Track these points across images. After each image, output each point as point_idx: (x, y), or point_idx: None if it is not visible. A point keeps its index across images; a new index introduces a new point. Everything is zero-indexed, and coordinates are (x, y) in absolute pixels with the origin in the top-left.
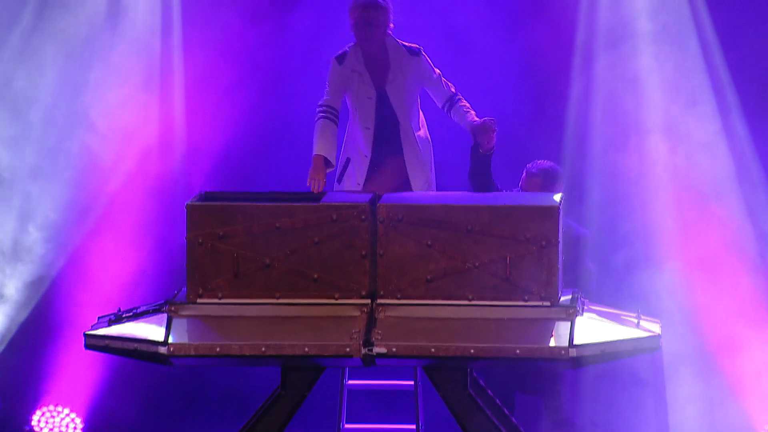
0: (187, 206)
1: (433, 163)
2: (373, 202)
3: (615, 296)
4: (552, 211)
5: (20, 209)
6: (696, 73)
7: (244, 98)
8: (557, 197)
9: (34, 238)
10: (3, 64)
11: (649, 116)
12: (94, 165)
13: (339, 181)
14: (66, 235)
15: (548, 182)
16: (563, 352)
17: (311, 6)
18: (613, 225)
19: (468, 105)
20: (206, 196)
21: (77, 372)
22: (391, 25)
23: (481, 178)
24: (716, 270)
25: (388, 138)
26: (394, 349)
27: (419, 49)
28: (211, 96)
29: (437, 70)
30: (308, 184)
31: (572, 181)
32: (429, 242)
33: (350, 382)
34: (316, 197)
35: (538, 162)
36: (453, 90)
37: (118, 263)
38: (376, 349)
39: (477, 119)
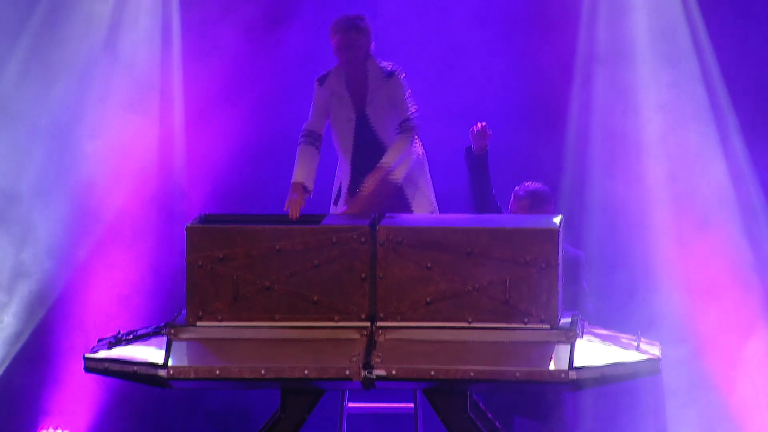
0: (187, 229)
1: (430, 183)
2: (373, 224)
3: (614, 319)
4: (552, 233)
5: (19, 231)
6: (694, 94)
7: (243, 116)
8: (557, 220)
9: (34, 259)
10: (3, 85)
11: (647, 137)
12: (92, 187)
13: (335, 203)
14: (65, 256)
15: (536, 204)
16: (563, 375)
17: (309, 22)
18: (612, 246)
19: (404, 141)
20: (206, 219)
21: (77, 394)
22: (372, 46)
23: (479, 179)
24: (716, 292)
25: (368, 161)
26: (393, 372)
27: (395, 70)
28: (210, 114)
29: (408, 91)
30: (285, 209)
31: (571, 203)
32: (429, 264)
33: (350, 405)
34: (316, 220)
35: (526, 184)
36: (408, 114)
37: (117, 285)
38: (376, 372)
39: (391, 164)
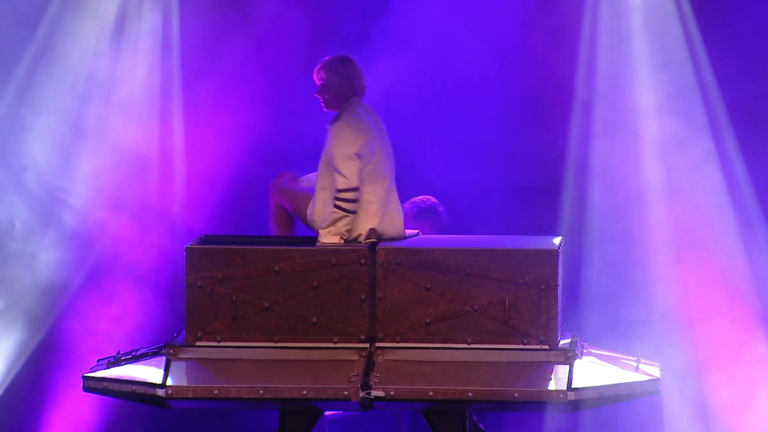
0: (187, 249)
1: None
2: (372, 246)
3: (613, 338)
4: (551, 254)
5: (19, 247)
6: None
7: (243, 121)
8: (557, 240)
9: (34, 278)
10: (5, 103)
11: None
12: (92, 207)
13: None
14: (65, 275)
15: (419, 215)
16: (562, 395)
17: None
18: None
19: (330, 228)
20: (206, 239)
21: (77, 414)
22: (351, 86)
23: None
24: (716, 313)
25: None
26: (392, 393)
27: (338, 118)
28: (213, 132)
29: (342, 150)
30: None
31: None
32: (428, 285)
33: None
34: (315, 241)
35: (413, 198)
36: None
37: (117, 305)
38: (374, 393)
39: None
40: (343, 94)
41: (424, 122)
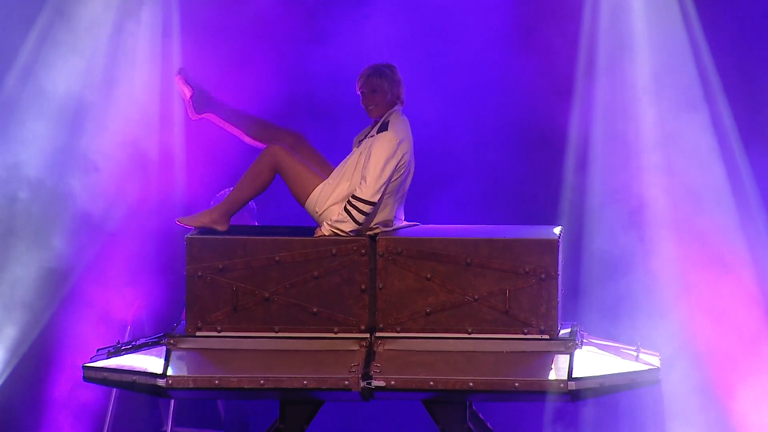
0: (187, 239)
1: None
2: (373, 236)
3: (612, 325)
4: (551, 244)
5: (20, 238)
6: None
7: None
8: (557, 230)
9: (35, 267)
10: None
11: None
12: (93, 198)
13: None
14: (66, 264)
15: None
16: (562, 385)
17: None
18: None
19: (343, 223)
20: (206, 229)
21: (77, 404)
22: (395, 96)
23: None
24: (719, 308)
25: None
26: (392, 383)
27: (389, 129)
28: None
29: (385, 161)
30: None
31: (571, 209)
32: (428, 275)
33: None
34: (314, 231)
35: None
36: (355, 191)
37: (117, 295)
38: (375, 383)
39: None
40: (390, 101)
41: (425, 109)
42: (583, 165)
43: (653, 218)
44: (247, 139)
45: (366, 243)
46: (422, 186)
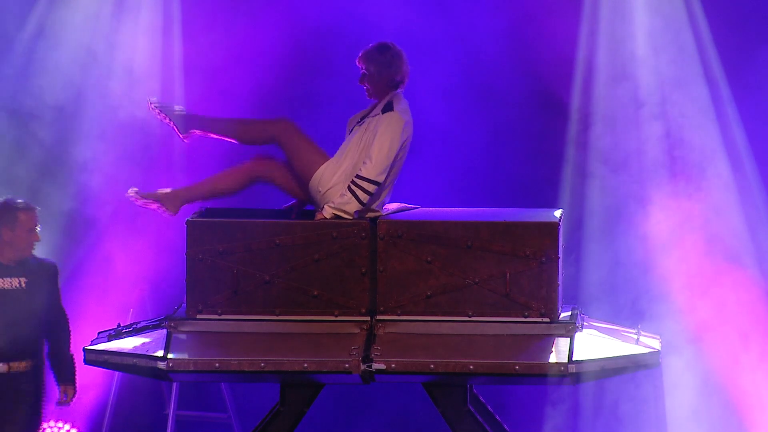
0: (187, 222)
1: None
2: (373, 219)
3: (613, 313)
4: (552, 227)
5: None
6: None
7: (243, 107)
8: (557, 213)
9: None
10: (7, 76)
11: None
12: (94, 179)
13: None
14: (66, 249)
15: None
16: (563, 368)
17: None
18: (611, 242)
19: (347, 204)
20: (206, 212)
21: (79, 386)
22: (397, 79)
23: None
24: (720, 292)
25: None
26: (393, 366)
27: (395, 109)
28: (214, 102)
29: (388, 141)
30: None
31: (572, 198)
32: (429, 258)
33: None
34: (315, 214)
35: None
36: (359, 171)
37: (118, 278)
38: (376, 366)
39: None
40: (381, 83)
41: (427, 96)
42: (584, 145)
43: (654, 202)
44: (243, 143)
45: (366, 226)
46: (421, 168)
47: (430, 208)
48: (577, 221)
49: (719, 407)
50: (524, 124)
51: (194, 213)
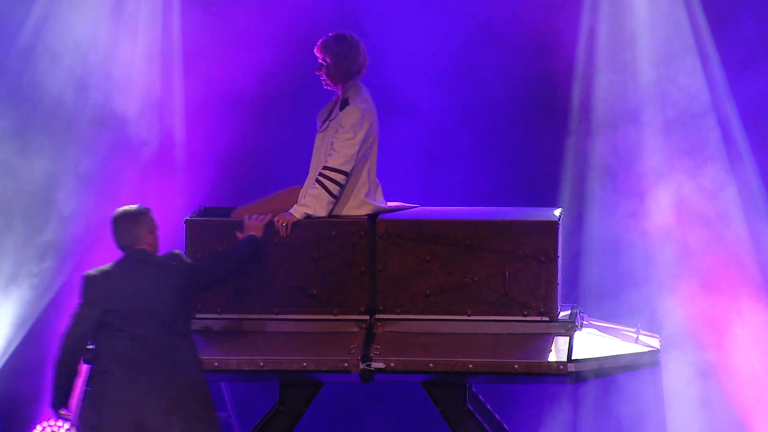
0: (186, 221)
1: None
2: (372, 218)
3: (613, 311)
4: (551, 226)
5: (21, 226)
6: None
7: (244, 113)
8: (557, 212)
9: (35, 253)
10: (9, 67)
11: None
12: (89, 184)
13: None
14: (67, 249)
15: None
16: (562, 367)
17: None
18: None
19: (316, 198)
20: (205, 211)
21: (78, 387)
22: (354, 68)
23: None
24: (718, 289)
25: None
26: (392, 365)
27: (354, 103)
28: (212, 108)
29: (351, 133)
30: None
31: (572, 198)
32: (428, 257)
33: None
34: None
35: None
36: (324, 164)
37: None
38: (375, 365)
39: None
40: (338, 73)
41: (427, 96)
42: (584, 145)
43: (653, 200)
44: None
45: (366, 225)
46: (421, 168)
47: (430, 207)
48: (576, 220)
49: (719, 407)
50: (524, 123)
51: (193, 212)
